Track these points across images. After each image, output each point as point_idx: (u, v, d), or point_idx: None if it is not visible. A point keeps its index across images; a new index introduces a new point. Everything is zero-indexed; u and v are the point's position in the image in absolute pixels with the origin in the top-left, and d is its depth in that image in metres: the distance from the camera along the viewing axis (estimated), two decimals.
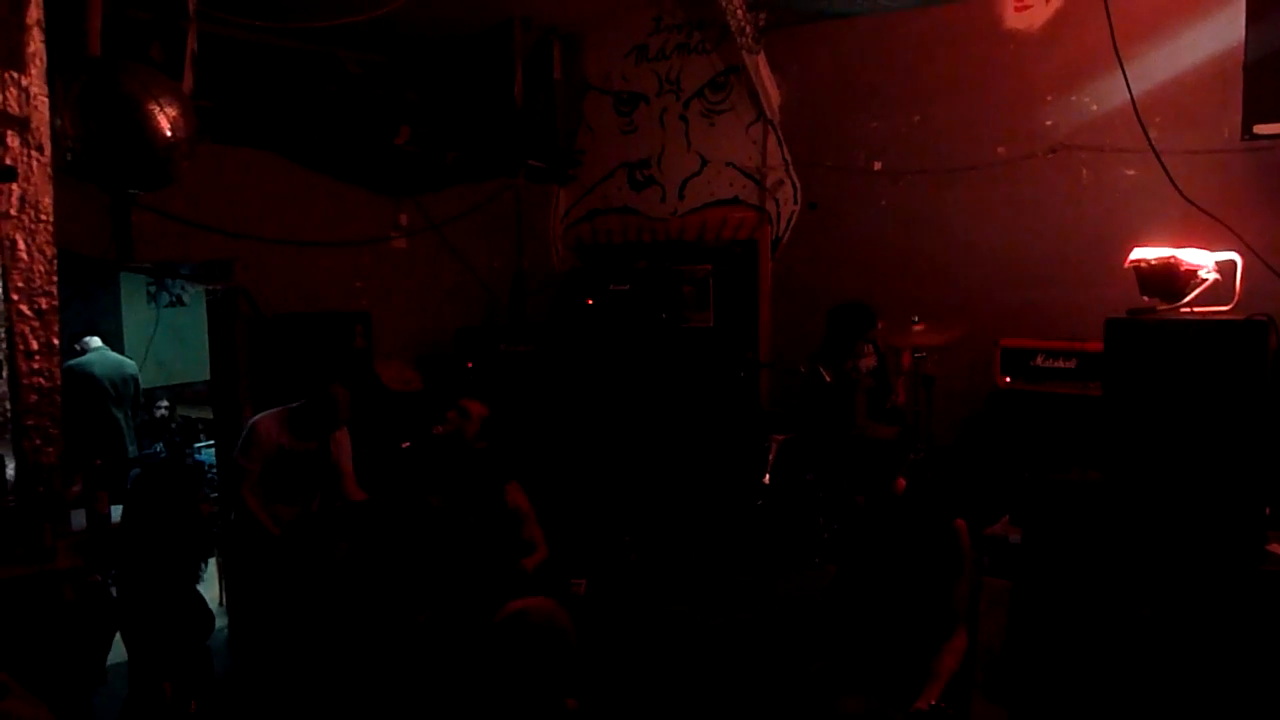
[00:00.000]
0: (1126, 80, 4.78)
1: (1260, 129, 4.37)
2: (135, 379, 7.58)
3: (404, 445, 5.21)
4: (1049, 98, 5.64)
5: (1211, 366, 3.58)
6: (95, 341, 7.50)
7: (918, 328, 5.36)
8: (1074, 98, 5.55)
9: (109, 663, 4.09)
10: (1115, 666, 3.51)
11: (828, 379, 5.53)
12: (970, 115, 5.90)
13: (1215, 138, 5.02)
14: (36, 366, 4.04)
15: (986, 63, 5.84)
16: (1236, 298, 3.87)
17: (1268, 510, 3.66)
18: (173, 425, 8.30)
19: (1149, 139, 4.91)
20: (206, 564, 5.59)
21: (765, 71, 6.57)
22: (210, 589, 5.86)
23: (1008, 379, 5.32)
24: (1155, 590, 3.54)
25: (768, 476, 5.62)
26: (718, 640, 4.62)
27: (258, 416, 4.95)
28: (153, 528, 4.07)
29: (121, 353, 8.02)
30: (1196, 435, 3.60)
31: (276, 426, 4.87)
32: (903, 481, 3.49)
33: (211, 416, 6.87)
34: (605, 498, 5.94)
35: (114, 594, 4.26)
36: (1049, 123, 5.64)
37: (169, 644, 3.95)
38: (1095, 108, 5.47)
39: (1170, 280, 3.89)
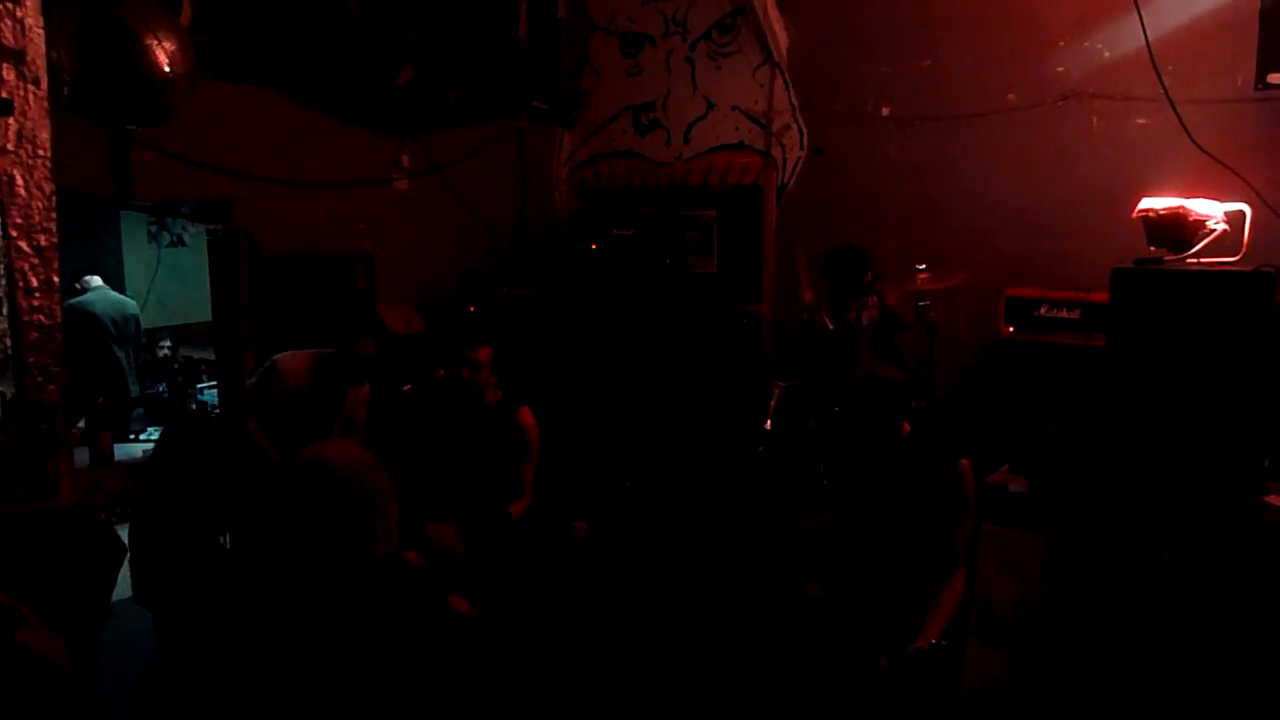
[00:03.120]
0: (1143, 24, 4.70)
1: (1275, 78, 4.31)
2: (136, 318, 7.59)
3: (405, 388, 5.21)
4: (1061, 43, 5.54)
5: (1216, 318, 3.57)
6: (96, 280, 7.50)
7: (923, 275, 5.33)
8: (1086, 43, 5.45)
9: (114, 598, 4.13)
10: (1122, 612, 3.53)
11: (830, 326, 5.52)
12: (981, 60, 5.80)
13: (1228, 87, 4.93)
14: (37, 304, 4.03)
15: (999, 5, 5.73)
16: (1244, 249, 3.85)
17: (1267, 462, 3.67)
18: (175, 365, 8.31)
19: (1163, 86, 4.83)
20: None
21: (773, 13, 6.45)
22: None
23: (1011, 329, 5.30)
24: (1157, 537, 3.56)
25: (769, 423, 5.62)
26: (717, 582, 4.67)
27: (282, 355, 4.76)
28: (183, 481, 4.05)
29: (123, 292, 8.03)
30: (1199, 387, 3.59)
31: (302, 371, 4.69)
32: (907, 425, 3.49)
33: (214, 357, 6.88)
34: (606, 443, 5.95)
35: (118, 533, 4.29)
36: (1060, 69, 5.55)
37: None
38: (1108, 54, 5.37)
39: (1178, 230, 3.87)
